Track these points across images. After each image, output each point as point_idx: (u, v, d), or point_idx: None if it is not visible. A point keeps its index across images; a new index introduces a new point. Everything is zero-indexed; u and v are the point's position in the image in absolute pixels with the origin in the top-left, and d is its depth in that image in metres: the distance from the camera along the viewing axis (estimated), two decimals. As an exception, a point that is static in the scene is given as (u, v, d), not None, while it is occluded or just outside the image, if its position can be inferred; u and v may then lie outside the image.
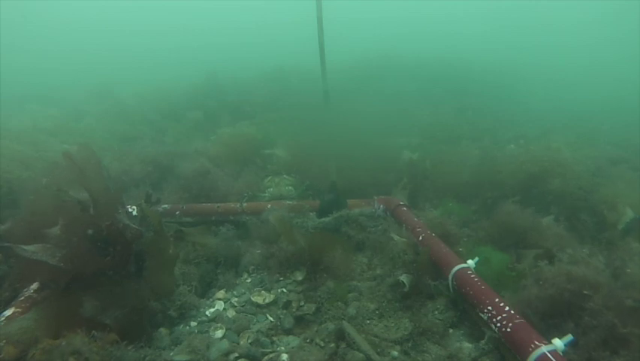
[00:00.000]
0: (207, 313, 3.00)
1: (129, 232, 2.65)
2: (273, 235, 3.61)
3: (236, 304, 3.13)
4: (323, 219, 3.95)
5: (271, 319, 2.94)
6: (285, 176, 4.33)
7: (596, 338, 2.28)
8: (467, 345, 2.65)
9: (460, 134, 7.34)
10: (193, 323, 2.88)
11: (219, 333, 2.76)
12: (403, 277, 3.02)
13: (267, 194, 4.27)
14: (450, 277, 2.94)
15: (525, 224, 3.69)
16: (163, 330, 2.75)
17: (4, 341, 2.14)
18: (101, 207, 2.58)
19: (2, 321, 2.43)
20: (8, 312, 2.52)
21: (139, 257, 2.77)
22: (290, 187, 4.26)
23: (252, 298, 3.13)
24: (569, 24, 26.55)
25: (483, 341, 2.53)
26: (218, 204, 4.32)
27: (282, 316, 2.96)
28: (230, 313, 3.02)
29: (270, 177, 4.37)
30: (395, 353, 2.54)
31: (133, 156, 5.56)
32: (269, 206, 4.19)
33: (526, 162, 4.60)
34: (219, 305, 3.09)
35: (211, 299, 3.19)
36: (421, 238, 3.48)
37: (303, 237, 3.41)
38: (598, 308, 2.32)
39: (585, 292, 2.38)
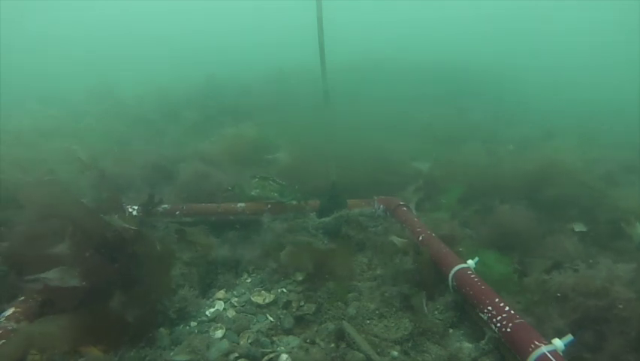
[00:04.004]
0: (207, 313, 3.00)
1: (127, 233, 2.66)
2: (274, 247, 3.58)
3: (236, 304, 3.13)
4: (323, 219, 3.96)
5: (271, 319, 2.94)
6: (271, 182, 4.31)
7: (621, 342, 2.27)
8: (467, 345, 2.65)
9: (460, 135, 7.34)
10: (193, 323, 2.88)
11: (219, 333, 2.77)
12: (423, 300, 2.98)
13: (254, 193, 4.31)
14: (450, 277, 2.94)
15: (518, 228, 3.67)
16: (163, 330, 2.75)
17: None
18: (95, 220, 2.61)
19: (2, 321, 2.43)
20: (8, 312, 2.52)
21: (138, 260, 2.77)
22: (275, 194, 4.27)
23: (252, 298, 3.13)
24: (570, 25, 26.58)
25: (483, 341, 2.54)
26: (219, 204, 4.32)
27: (282, 316, 2.96)
28: (231, 313, 3.02)
29: (256, 179, 4.36)
30: (395, 353, 2.54)
31: (133, 158, 5.56)
32: (269, 206, 4.20)
33: (528, 166, 4.57)
34: (219, 305, 3.10)
35: (211, 299, 3.19)
36: (420, 238, 3.48)
37: (311, 261, 3.32)
38: (626, 316, 2.31)
39: (620, 305, 2.34)
